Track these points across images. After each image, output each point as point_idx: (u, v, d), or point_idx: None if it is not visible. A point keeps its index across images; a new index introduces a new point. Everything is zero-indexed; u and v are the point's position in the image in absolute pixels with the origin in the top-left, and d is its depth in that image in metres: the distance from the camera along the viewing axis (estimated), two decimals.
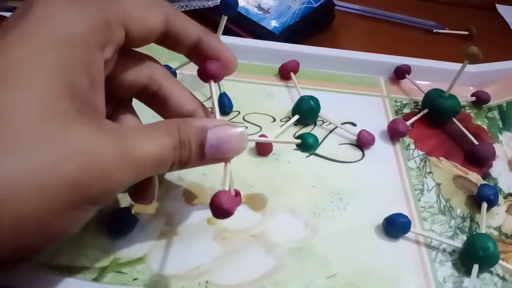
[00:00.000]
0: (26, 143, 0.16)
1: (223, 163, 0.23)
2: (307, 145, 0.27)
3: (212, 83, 0.25)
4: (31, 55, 0.17)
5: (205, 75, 0.25)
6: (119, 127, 0.20)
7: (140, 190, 0.23)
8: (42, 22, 0.18)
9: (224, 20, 0.32)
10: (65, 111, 0.17)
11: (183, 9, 0.45)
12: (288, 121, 0.35)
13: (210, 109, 0.29)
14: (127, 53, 0.23)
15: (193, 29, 0.24)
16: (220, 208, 0.20)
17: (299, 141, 0.27)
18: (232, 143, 0.22)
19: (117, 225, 0.26)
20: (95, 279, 0.24)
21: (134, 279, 0.25)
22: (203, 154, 0.21)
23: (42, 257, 0.24)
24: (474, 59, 0.34)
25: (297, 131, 0.36)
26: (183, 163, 0.21)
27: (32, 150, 0.16)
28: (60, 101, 0.17)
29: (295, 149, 0.34)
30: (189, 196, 0.29)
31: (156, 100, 0.25)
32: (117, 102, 0.24)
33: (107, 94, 0.22)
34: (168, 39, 0.23)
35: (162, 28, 0.22)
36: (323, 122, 0.37)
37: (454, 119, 0.37)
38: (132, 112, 0.25)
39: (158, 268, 0.25)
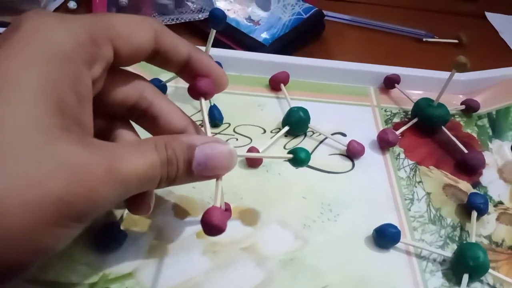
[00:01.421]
0: (11, 159, 0.16)
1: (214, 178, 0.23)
2: (299, 160, 0.27)
3: (203, 100, 0.25)
4: (18, 69, 0.17)
5: (196, 93, 0.25)
6: (106, 144, 0.20)
7: (136, 200, 0.23)
8: (31, 38, 0.18)
9: (213, 33, 0.32)
10: (51, 127, 0.17)
11: (174, 22, 0.45)
12: (278, 132, 0.36)
13: (200, 124, 0.29)
14: (117, 71, 0.23)
15: (182, 47, 0.24)
16: (212, 225, 0.20)
17: (291, 156, 0.27)
18: (220, 160, 0.22)
19: (106, 240, 0.26)
20: None
21: None
22: (191, 171, 0.21)
23: (29, 272, 0.24)
24: (462, 69, 0.34)
25: (287, 142, 0.36)
26: (170, 180, 0.21)
27: (18, 166, 0.16)
28: (47, 117, 0.17)
29: (285, 161, 0.34)
30: (179, 210, 0.29)
31: (146, 117, 0.25)
32: (112, 117, 0.24)
33: (100, 111, 0.22)
34: (157, 57, 0.23)
35: (151, 46, 0.22)
36: (313, 133, 0.37)
37: (444, 128, 0.38)
38: (129, 127, 0.25)
39: (148, 283, 0.25)
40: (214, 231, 0.20)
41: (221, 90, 0.26)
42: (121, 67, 0.23)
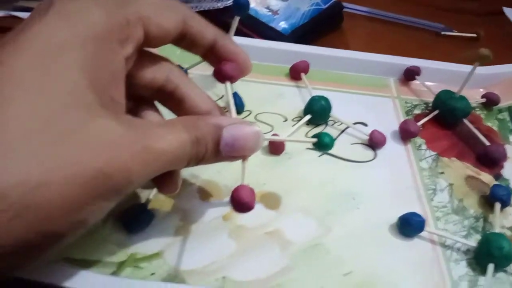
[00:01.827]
0: (53, 134, 0.16)
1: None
2: (323, 144, 0.27)
3: (228, 83, 0.25)
4: (56, 46, 0.18)
5: (222, 76, 0.25)
6: (139, 122, 0.20)
7: (164, 179, 0.23)
8: (67, 18, 0.18)
9: (236, 20, 0.32)
10: (90, 103, 0.18)
11: (193, 11, 0.45)
12: (299, 120, 0.35)
13: (224, 109, 0.29)
14: (145, 53, 0.23)
15: (209, 31, 0.24)
16: (241, 202, 0.20)
17: (315, 140, 0.27)
18: (247, 141, 0.22)
19: (133, 220, 0.26)
20: (113, 273, 0.24)
21: (152, 274, 0.25)
22: (218, 151, 0.21)
23: (60, 251, 0.24)
24: (484, 61, 0.34)
25: (309, 131, 0.36)
26: (199, 160, 0.21)
27: (59, 141, 0.16)
28: (86, 93, 0.18)
29: (307, 149, 0.34)
30: (204, 193, 0.29)
31: (172, 100, 0.25)
32: (138, 99, 0.25)
33: (128, 92, 0.22)
34: (184, 40, 0.24)
35: (179, 29, 0.23)
36: (335, 122, 0.37)
37: (465, 120, 0.37)
38: (154, 109, 0.26)
39: (175, 264, 0.25)
40: (244, 207, 0.21)
41: (245, 75, 0.26)
42: (148, 49, 0.23)
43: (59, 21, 0.18)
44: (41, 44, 0.18)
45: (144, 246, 0.26)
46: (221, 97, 0.37)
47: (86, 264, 0.24)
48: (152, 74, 0.24)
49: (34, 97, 0.17)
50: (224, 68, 0.25)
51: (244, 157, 0.23)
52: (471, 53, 0.35)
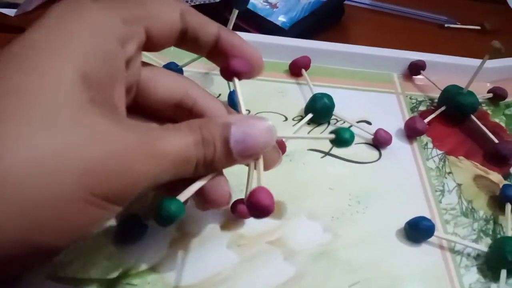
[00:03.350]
0: (36, 127, 0.15)
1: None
2: (343, 139, 0.25)
3: (236, 80, 0.23)
4: (49, 42, 0.17)
5: (229, 72, 0.23)
6: (139, 123, 0.19)
7: (207, 191, 0.21)
8: (67, 17, 0.18)
9: (235, 13, 0.31)
10: (81, 100, 0.16)
11: (188, 5, 0.43)
12: (300, 120, 0.34)
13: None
14: (162, 72, 0.23)
15: (211, 26, 0.23)
16: (261, 205, 0.18)
17: (333, 136, 0.25)
18: (259, 136, 0.20)
19: (125, 233, 0.25)
20: None
21: None
22: (229, 151, 0.20)
23: (49, 268, 0.22)
24: (496, 54, 0.32)
25: (311, 130, 0.34)
26: (208, 162, 0.20)
27: (39, 135, 0.15)
28: (78, 90, 0.16)
29: (309, 150, 0.32)
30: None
31: (191, 116, 0.23)
32: (158, 119, 0.23)
33: (146, 111, 0.22)
34: (186, 38, 0.22)
35: (179, 25, 0.22)
36: (337, 121, 0.35)
37: (473, 117, 0.36)
38: None
39: (172, 279, 0.24)
40: (263, 211, 0.19)
41: (257, 72, 0.24)
42: (165, 70, 0.23)
43: (60, 20, 0.18)
44: (41, 46, 0.17)
45: (138, 261, 0.24)
46: (218, 96, 0.35)
47: (76, 282, 0.23)
48: (170, 90, 0.23)
49: (27, 96, 0.15)
50: (232, 63, 0.23)
51: (257, 156, 0.21)
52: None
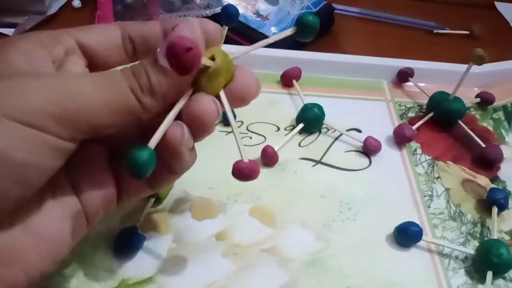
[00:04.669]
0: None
1: None
2: (306, 25, 0.22)
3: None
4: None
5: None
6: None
7: (186, 112, 0.20)
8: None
9: (225, 30, 0.32)
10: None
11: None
12: (292, 129, 0.35)
13: None
14: (92, 31, 0.22)
15: (152, 24, 0.23)
16: (241, 169, 0.20)
17: (294, 29, 0.22)
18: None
19: (124, 244, 0.26)
20: None
21: None
22: (161, 67, 0.18)
23: (51, 282, 0.24)
24: (479, 61, 0.33)
25: (302, 139, 0.35)
26: (147, 88, 0.18)
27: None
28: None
29: (301, 159, 0.33)
30: (196, 212, 0.29)
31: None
32: None
33: None
34: (135, 46, 0.23)
35: (118, 30, 0.22)
36: (328, 130, 0.36)
37: (460, 122, 0.37)
38: None
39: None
40: (247, 174, 0.21)
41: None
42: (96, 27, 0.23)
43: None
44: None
45: (136, 271, 0.25)
46: None
47: None
48: (104, 42, 0.22)
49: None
50: (171, 39, 0.18)
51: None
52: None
